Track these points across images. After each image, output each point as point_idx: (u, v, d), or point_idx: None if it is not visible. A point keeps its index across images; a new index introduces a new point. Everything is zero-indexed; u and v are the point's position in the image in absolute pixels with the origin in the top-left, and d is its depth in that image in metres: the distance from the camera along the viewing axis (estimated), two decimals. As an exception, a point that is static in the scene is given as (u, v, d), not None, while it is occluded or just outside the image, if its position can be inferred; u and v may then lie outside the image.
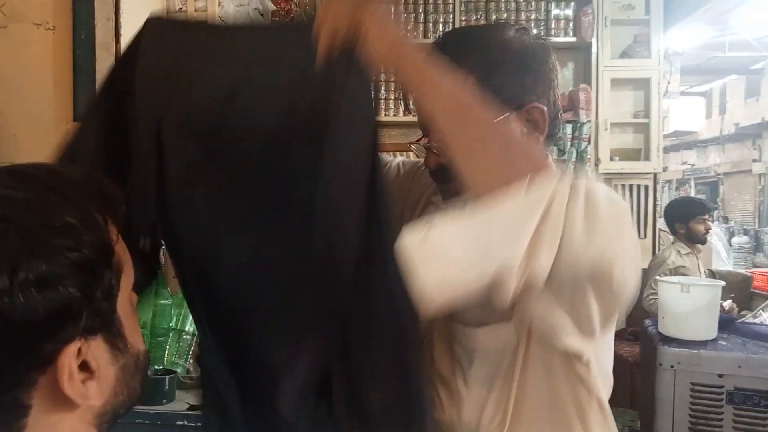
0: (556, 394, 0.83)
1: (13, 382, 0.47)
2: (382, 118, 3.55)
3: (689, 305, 2.31)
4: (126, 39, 1.53)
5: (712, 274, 3.57)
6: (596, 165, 3.70)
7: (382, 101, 3.60)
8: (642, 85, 3.74)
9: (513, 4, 3.72)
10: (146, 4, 1.74)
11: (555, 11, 3.72)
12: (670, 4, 3.73)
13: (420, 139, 0.88)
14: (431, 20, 3.73)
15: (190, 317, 1.72)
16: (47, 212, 0.48)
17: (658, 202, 3.80)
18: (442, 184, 0.87)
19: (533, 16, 3.72)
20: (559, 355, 0.81)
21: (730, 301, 2.81)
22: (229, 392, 0.78)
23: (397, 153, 2.50)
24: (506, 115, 0.81)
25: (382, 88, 3.59)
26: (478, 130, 0.67)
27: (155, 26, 0.79)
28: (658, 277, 2.70)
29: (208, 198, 0.75)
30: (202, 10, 1.87)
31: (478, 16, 3.74)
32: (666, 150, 5.30)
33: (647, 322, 2.58)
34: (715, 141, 9.74)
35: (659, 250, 3.59)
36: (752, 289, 3.93)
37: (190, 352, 1.82)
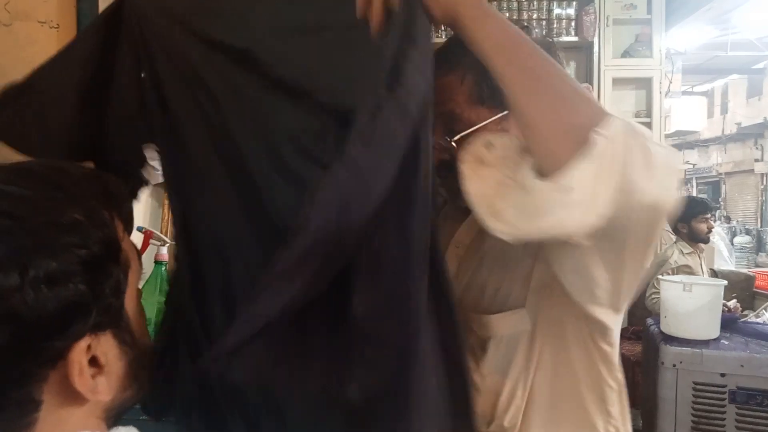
0: (574, 380, 0.84)
1: (24, 378, 0.48)
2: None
3: (691, 304, 2.31)
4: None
5: (715, 274, 3.57)
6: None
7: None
8: (644, 84, 3.74)
9: (515, 4, 3.72)
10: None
11: (557, 11, 3.72)
12: (672, 4, 3.73)
13: None
14: (433, 19, 3.73)
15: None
16: (55, 210, 0.49)
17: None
18: (444, 179, 0.88)
19: (535, 16, 3.72)
20: (580, 336, 0.82)
21: (734, 300, 2.81)
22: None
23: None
24: (505, 113, 0.82)
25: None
26: (539, 68, 0.65)
27: None
28: (660, 276, 2.70)
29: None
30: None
31: (480, 16, 3.74)
32: (668, 149, 5.28)
33: (649, 321, 2.58)
34: (716, 141, 9.73)
35: (661, 249, 3.59)
36: (755, 289, 3.94)
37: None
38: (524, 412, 0.83)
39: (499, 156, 0.69)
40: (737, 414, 2.16)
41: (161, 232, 1.77)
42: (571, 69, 3.85)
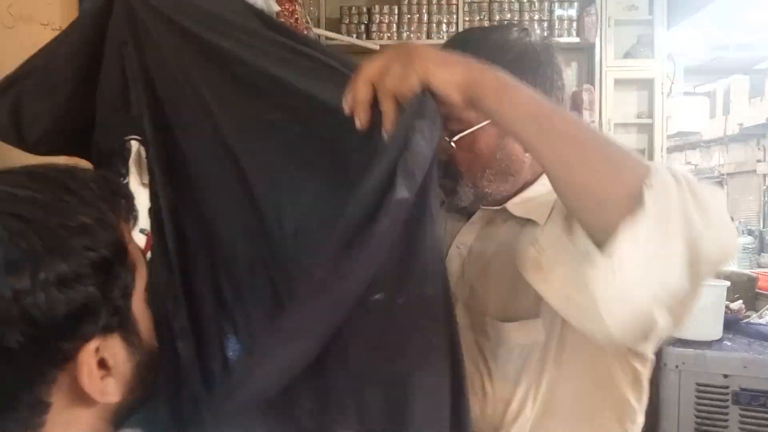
0: (595, 395, 0.82)
1: (34, 380, 0.48)
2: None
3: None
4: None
5: (717, 275, 3.56)
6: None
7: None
8: (645, 85, 3.74)
9: (516, 5, 3.73)
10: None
11: (558, 12, 3.72)
12: (674, 4, 3.73)
13: None
14: (435, 21, 3.74)
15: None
16: (66, 212, 0.49)
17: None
18: (442, 179, 0.88)
19: (537, 17, 3.72)
20: (610, 355, 0.80)
21: (740, 302, 2.80)
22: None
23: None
24: None
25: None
26: (575, 135, 0.61)
27: None
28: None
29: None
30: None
31: (482, 17, 3.74)
32: (669, 150, 5.28)
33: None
34: (719, 141, 9.72)
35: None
36: (757, 290, 3.92)
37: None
38: (536, 423, 0.82)
39: (552, 254, 0.65)
40: (740, 415, 2.16)
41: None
42: (572, 70, 3.85)
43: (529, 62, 0.84)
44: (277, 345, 0.63)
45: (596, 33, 3.62)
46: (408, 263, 0.66)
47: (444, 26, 3.72)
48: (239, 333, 0.82)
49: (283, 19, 2.69)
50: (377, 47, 3.57)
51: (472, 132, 0.82)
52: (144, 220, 0.73)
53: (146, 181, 0.88)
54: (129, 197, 0.57)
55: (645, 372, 0.83)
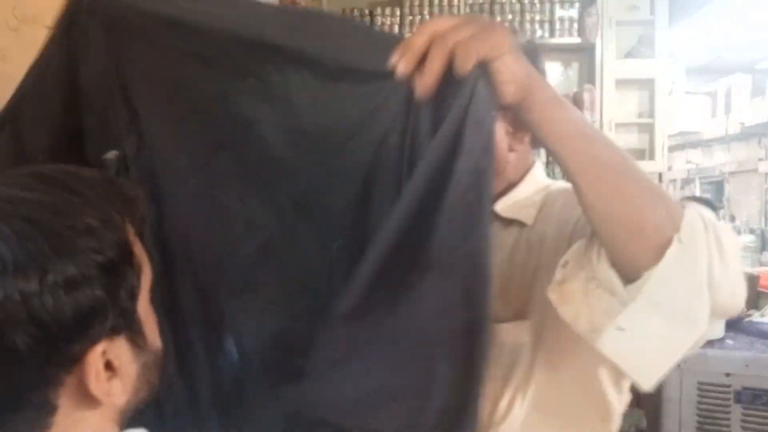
0: (578, 396, 0.84)
1: (42, 382, 0.49)
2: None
3: (696, 304, 2.30)
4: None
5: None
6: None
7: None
8: (647, 85, 3.74)
9: (518, 6, 3.73)
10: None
11: (559, 12, 3.72)
12: (675, 4, 3.73)
13: None
14: (436, 21, 3.74)
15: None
16: (72, 214, 0.49)
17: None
18: None
19: (537, 17, 3.73)
20: (589, 360, 0.81)
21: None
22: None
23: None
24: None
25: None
26: (615, 163, 0.61)
27: None
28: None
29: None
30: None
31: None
32: (671, 149, 5.28)
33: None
34: (720, 140, 9.70)
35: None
36: (759, 288, 3.92)
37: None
38: (525, 422, 0.83)
39: (575, 266, 0.66)
40: (742, 414, 2.16)
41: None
42: (573, 70, 3.86)
43: None
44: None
45: (597, 33, 3.62)
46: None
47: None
48: (226, 349, 0.81)
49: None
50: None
51: None
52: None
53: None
54: (135, 198, 0.57)
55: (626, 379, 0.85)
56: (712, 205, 3.52)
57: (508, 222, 0.88)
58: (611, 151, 0.61)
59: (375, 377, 0.65)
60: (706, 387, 2.20)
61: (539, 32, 3.73)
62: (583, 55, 3.81)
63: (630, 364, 0.62)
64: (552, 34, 3.71)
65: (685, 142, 9.92)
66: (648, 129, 3.77)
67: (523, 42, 0.89)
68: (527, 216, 0.84)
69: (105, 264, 0.49)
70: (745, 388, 2.16)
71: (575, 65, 3.84)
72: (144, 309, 0.56)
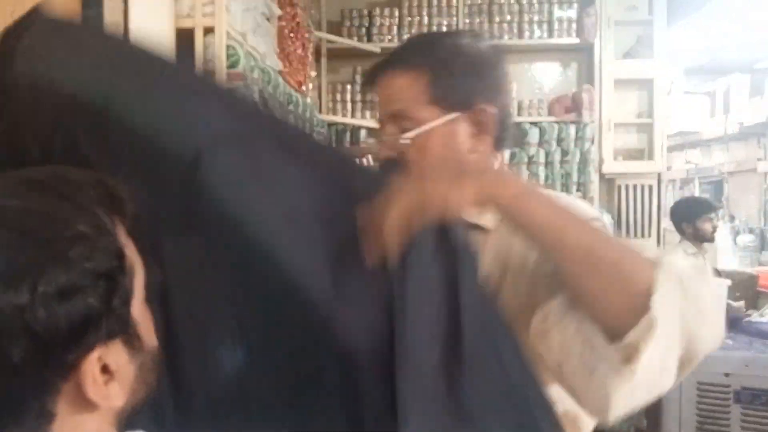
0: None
1: (38, 391, 0.48)
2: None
3: (695, 304, 2.31)
4: (135, 45, 1.55)
5: (718, 273, 3.57)
6: (600, 165, 3.71)
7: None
8: (645, 85, 3.75)
9: (516, 6, 3.74)
10: (154, 9, 1.75)
11: (558, 12, 3.73)
12: (673, 4, 3.74)
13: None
14: (435, 23, 3.75)
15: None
16: (61, 221, 0.48)
17: (662, 202, 3.80)
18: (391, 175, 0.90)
19: (536, 18, 3.73)
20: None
21: (743, 302, 2.81)
22: None
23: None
24: (455, 115, 0.84)
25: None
26: (589, 244, 0.66)
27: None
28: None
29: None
30: (210, 15, 1.89)
31: (482, 18, 3.75)
32: (670, 149, 5.28)
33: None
34: (719, 140, 9.71)
35: (664, 250, 3.58)
36: (758, 288, 3.93)
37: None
38: None
39: (557, 321, 0.70)
40: (742, 414, 2.17)
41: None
42: (572, 70, 3.86)
43: (478, 66, 0.87)
44: None
45: (596, 33, 3.63)
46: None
47: (445, 28, 3.73)
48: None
49: (284, 23, 2.70)
50: (378, 50, 3.57)
51: (424, 131, 0.84)
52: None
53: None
54: (125, 197, 0.55)
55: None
56: (713, 205, 3.52)
57: (469, 227, 0.87)
58: (580, 235, 0.66)
59: None
60: (706, 387, 2.20)
61: (538, 32, 3.73)
62: (581, 55, 3.81)
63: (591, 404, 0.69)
64: (551, 34, 3.72)
65: (684, 142, 9.92)
66: (647, 129, 3.78)
67: (488, 45, 0.91)
68: (488, 220, 0.84)
69: (97, 272, 0.48)
70: (744, 388, 2.16)
71: (574, 65, 3.85)
72: (139, 310, 0.55)
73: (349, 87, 3.75)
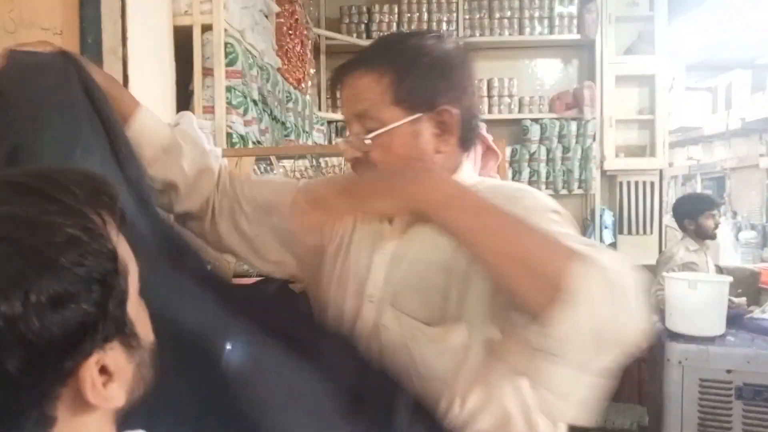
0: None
1: (37, 399, 0.47)
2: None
3: (697, 302, 2.30)
4: (132, 43, 1.54)
5: (720, 270, 3.56)
6: (601, 162, 3.70)
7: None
8: (647, 81, 3.74)
9: (516, 2, 3.73)
10: (152, 7, 1.75)
11: (559, 9, 3.72)
12: (674, 0, 3.73)
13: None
14: (435, 19, 3.74)
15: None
16: (49, 227, 0.47)
17: (664, 198, 3.80)
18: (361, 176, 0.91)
19: (537, 14, 3.72)
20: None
21: (744, 299, 2.80)
22: None
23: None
24: (418, 116, 0.84)
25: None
26: (508, 243, 0.69)
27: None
28: (665, 274, 2.69)
29: None
30: (207, 12, 1.88)
31: (482, 15, 3.74)
32: (671, 145, 5.27)
33: (654, 318, 2.58)
34: (721, 136, 9.69)
35: (665, 246, 3.57)
36: (760, 285, 3.92)
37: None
38: (465, 421, 0.82)
39: (504, 342, 0.76)
40: (744, 410, 2.16)
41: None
42: (573, 67, 3.85)
43: (442, 67, 0.87)
44: None
45: (597, 30, 3.62)
46: None
47: (444, 25, 3.72)
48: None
49: (282, 20, 2.69)
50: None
51: (387, 131, 0.84)
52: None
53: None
54: (114, 194, 0.54)
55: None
56: (715, 202, 3.51)
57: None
58: (503, 233, 0.70)
59: None
60: (708, 383, 2.19)
61: (538, 29, 3.73)
62: (582, 51, 3.81)
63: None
64: (551, 30, 3.71)
65: (685, 138, 9.91)
66: (648, 125, 3.77)
67: (454, 46, 0.90)
68: None
69: (91, 277, 0.47)
70: (746, 385, 2.16)
71: (575, 62, 3.84)
72: (134, 307, 0.54)
73: (349, 84, 3.74)
